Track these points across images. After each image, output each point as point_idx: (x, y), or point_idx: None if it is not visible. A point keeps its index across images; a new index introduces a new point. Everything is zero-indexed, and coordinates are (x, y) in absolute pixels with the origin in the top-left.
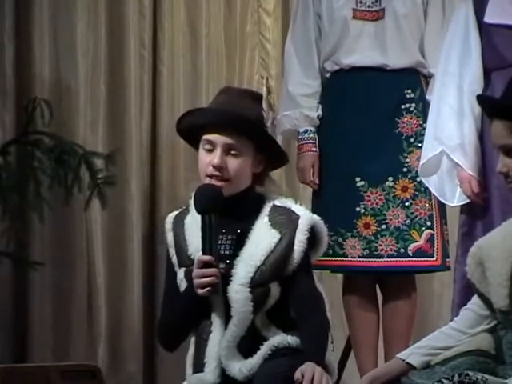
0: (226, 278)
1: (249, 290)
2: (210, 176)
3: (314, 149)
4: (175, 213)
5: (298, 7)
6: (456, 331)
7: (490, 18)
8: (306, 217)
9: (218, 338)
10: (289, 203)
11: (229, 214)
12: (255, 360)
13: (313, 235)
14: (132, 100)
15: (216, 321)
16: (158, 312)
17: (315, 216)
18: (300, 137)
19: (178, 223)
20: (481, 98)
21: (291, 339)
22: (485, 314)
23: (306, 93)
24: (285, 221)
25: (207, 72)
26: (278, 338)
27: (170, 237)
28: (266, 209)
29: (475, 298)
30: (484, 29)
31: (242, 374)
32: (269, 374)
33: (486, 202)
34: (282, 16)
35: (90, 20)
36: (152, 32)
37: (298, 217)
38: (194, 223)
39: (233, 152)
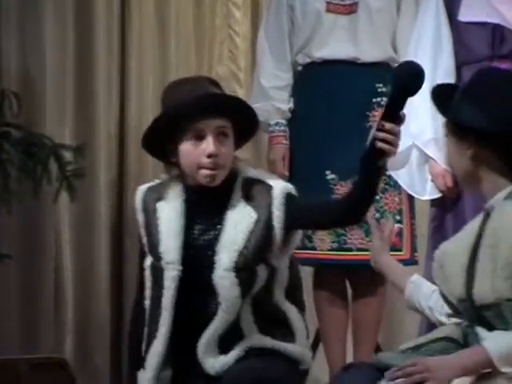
0: (209, 266)
1: (234, 274)
2: (206, 167)
3: (285, 141)
4: (145, 187)
5: (271, 0)
6: None
7: (464, 16)
8: (279, 188)
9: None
10: (261, 174)
11: (214, 202)
12: (228, 358)
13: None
14: (100, 93)
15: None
16: (126, 304)
17: (288, 185)
18: (271, 129)
19: (150, 204)
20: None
21: (267, 341)
22: (447, 312)
23: (278, 85)
24: (259, 195)
25: (176, 65)
26: (255, 339)
27: (140, 217)
28: (238, 184)
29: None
30: (454, 24)
31: (214, 369)
32: (236, 375)
33: (456, 197)
34: (251, 9)
35: (57, 12)
36: (120, 25)
37: (271, 188)
38: (170, 214)
39: (223, 135)
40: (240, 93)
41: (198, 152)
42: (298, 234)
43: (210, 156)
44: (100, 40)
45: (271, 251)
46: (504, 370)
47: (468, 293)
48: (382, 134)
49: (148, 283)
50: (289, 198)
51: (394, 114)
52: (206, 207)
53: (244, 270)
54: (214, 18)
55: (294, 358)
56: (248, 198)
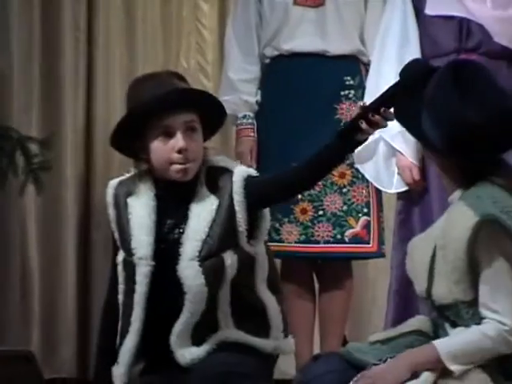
0: (174, 257)
1: (198, 263)
2: (177, 163)
3: (253, 134)
4: (116, 182)
5: None
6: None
7: (430, 9)
8: (238, 173)
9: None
10: (223, 161)
11: (183, 196)
12: (200, 350)
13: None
14: (67, 84)
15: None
16: (93, 296)
17: (249, 170)
18: (239, 122)
19: (121, 199)
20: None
21: (241, 335)
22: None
23: (246, 78)
24: (221, 182)
25: (143, 57)
26: (229, 333)
27: (111, 212)
28: (202, 174)
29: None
30: (421, 17)
31: (185, 360)
32: (205, 368)
33: (423, 190)
34: (218, 2)
35: (23, 2)
36: (87, 16)
37: (231, 174)
38: (141, 210)
39: (192, 129)
40: (208, 85)
41: (168, 148)
42: (266, 219)
43: (180, 151)
44: (67, 32)
45: (237, 236)
46: (452, 367)
47: (428, 291)
48: (377, 118)
49: (120, 278)
50: (248, 180)
51: (392, 102)
52: (175, 201)
53: (209, 258)
54: (181, 11)
55: (266, 353)
56: (211, 186)
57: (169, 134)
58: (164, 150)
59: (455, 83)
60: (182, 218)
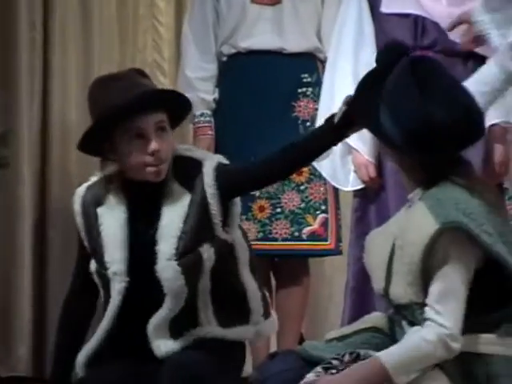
0: (150, 257)
1: (176, 263)
2: (151, 165)
3: (210, 132)
4: (83, 189)
5: None
6: None
7: (386, 7)
8: (209, 164)
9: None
10: (189, 151)
11: (153, 194)
12: (176, 344)
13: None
14: (23, 83)
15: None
16: (49, 295)
17: (218, 157)
18: (196, 120)
19: (89, 209)
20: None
21: (219, 331)
22: None
23: (203, 76)
24: (190, 174)
25: (99, 55)
26: (206, 329)
27: (79, 221)
28: (170, 167)
29: None
30: (376, 15)
31: (160, 351)
32: (175, 365)
33: (379, 187)
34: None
35: None
36: (43, 14)
37: (201, 165)
38: (113, 223)
39: (162, 130)
40: (164, 82)
41: (141, 151)
42: (237, 203)
43: (153, 154)
44: (23, 32)
45: (212, 228)
46: (399, 380)
47: (386, 290)
48: None
49: (100, 288)
50: (219, 169)
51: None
52: (147, 201)
53: (186, 255)
54: (137, 8)
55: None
56: (181, 180)
57: (140, 136)
58: (137, 152)
59: (415, 78)
60: (155, 217)
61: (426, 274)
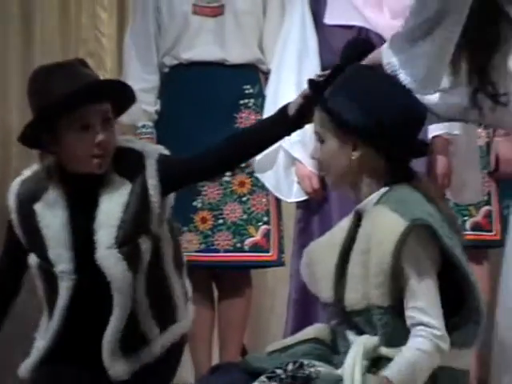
0: (90, 246)
1: (117, 250)
2: (97, 156)
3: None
4: (17, 184)
5: (137, 2)
6: None
7: (329, 19)
8: (150, 155)
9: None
10: (130, 142)
11: (93, 185)
12: (127, 366)
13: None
14: None
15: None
16: None
17: (159, 148)
18: (138, 131)
19: (25, 205)
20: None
21: (160, 342)
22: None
23: (145, 88)
24: (131, 164)
25: (40, 63)
26: (151, 349)
27: (15, 217)
28: (110, 158)
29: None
30: (320, 26)
31: (114, 373)
32: None
33: (323, 199)
34: (117, 10)
35: None
36: None
37: (142, 156)
38: (54, 222)
39: (108, 120)
40: None
41: (87, 142)
42: (170, 196)
43: (99, 145)
44: None
45: (150, 221)
46: None
47: (337, 297)
48: None
49: (38, 280)
50: (162, 161)
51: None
52: (87, 194)
53: (126, 244)
54: (79, 18)
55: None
56: (121, 170)
57: (86, 127)
58: (82, 143)
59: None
60: (94, 207)
61: (396, 275)
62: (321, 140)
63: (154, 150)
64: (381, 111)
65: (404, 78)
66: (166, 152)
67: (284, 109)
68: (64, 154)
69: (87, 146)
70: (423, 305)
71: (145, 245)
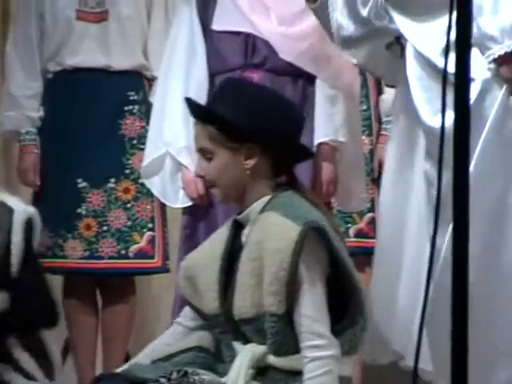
0: None
1: None
2: None
3: (36, 150)
4: None
5: (19, 8)
6: (167, 346)
7: (217, 25)
8: (20, 213)
9: None
10: (3, 196)
11: None
12: None
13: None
14: None
15: None
16: None
17: (29, 209)
18: (21, 138)
19: None
20: (187, 101)
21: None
22: (193, 326)
23: (28, 94)
24: None
25: None
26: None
27: None
28: None
29: (186, 311)
30: (208, 32)
31: None
32: None
33: (209, 205)
34: (1, 18)
35: None
36: None
37: (11, 212)
38: None
39: None
40: None
41: None
42: None
43: None
44: None
45: (10, 276)
46: None
47: (224, 307)
48: None
49: None
50: (29, 224)
51: None
52: None
53: None
54: None
55: None
56: None
57: None
58: None
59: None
60: None
61: (292, 281)
62: (208, 157)
63: (25, 211)
64: (267, 115)
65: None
66: (36, 217)
67: None
68: None
69: None
70: (313, 312)
71: (1, 298)
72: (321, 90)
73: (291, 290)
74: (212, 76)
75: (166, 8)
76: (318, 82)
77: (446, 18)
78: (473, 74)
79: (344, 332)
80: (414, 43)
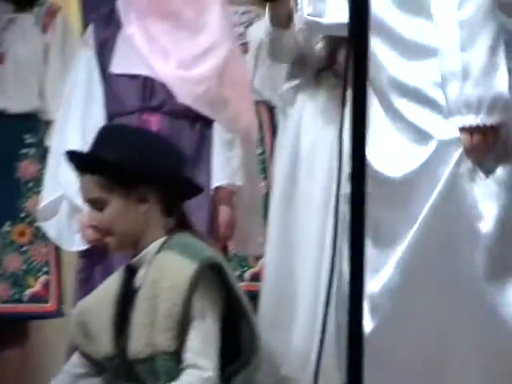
0: None
1: None
2: None
3: None
4: None
5: None
6: None
7: (115, 68)
8: None
9: None
10: None
11: None
12: None
13: None
14: None
15: None
16: None
17: None
18: None
19: None
20: (68, 155)
21: None
22: (81, 373)
23: None
24: None
25: None
26: None
27: None
28: None
29: (74, 359)
30: (107, 75)
31: None
32: None
33: (105, 248)
34: None
35: None
36: None
37: None
38: None
39: None
40: None
41: None
42: None
43: None
44: None
45: None
46: None
47: (119, 349)
48: None
49: None
50: None
51: None
52: None
53: None
54: None
55: None
56: None
57: None
58: None
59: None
60: None
61: (185, 317)
62: (99, 207)
63: None
64: (151, 155)
65: None
66: None
67: None
68: None
69: None
70: (199, 347)
71: None
72: (218, 134)
73: (184, 326)
74: (111, 119)
75: (63, 50)
76: (216, 126)
77: None
78: (432, 131)
79: (238, 373)
80: None
